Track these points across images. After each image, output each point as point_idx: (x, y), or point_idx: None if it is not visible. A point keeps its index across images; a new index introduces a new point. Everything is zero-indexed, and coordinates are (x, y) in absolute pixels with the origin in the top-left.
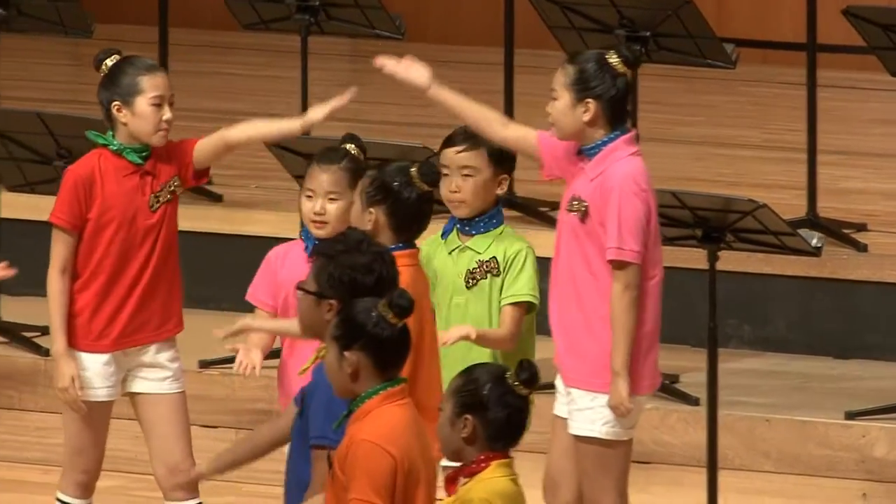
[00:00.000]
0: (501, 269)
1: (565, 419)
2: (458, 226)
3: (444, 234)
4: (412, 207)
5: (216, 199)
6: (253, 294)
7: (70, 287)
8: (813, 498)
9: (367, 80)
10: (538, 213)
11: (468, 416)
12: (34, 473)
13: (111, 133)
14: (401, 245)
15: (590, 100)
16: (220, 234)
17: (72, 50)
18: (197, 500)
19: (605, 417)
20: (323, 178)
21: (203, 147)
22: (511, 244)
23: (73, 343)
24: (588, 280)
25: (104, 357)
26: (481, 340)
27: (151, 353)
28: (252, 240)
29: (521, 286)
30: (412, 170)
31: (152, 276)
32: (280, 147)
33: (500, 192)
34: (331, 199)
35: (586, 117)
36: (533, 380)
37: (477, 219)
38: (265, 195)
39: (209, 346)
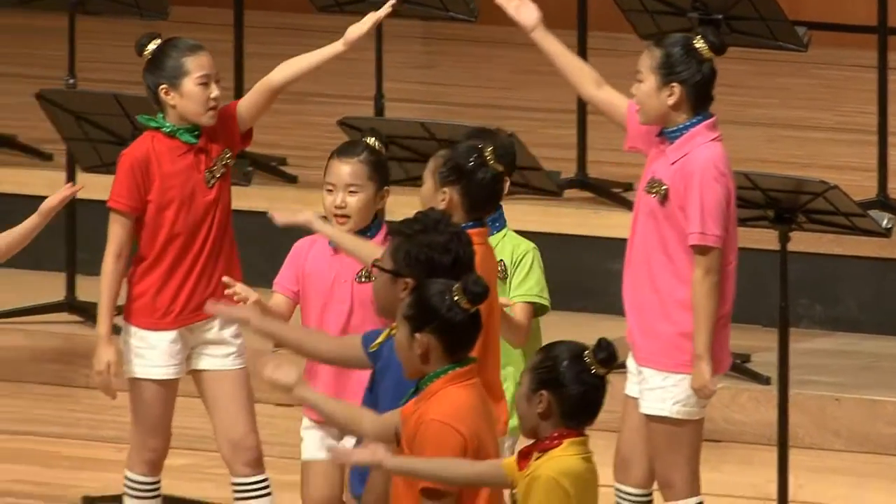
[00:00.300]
0: (509, 270)
1: (636, 399)
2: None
3: None
4: (486, 188)
5: (290, 179)
6: (279, 282)
7: (125, 271)
8: (882, 476)
9: (440, 63)
10: (610, 193)
11: (544, 392)
12: (109, 451)
13: (161, 115)
14: (471, 223)
15: (675, 84)
16: None
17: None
18: (263, 476)
19: (676, 397)
20: (343, 170)
21: (246, 104)
22: (518, 245)
23: (138, 322)
24: (663, 262)
25: (171, 335)
26: (505, 319)
27: (215, 330)
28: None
29: (531, 286)
30: (487, 151)
31: (212, 251)
32: (354, 128)
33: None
34: (351, 191)
35: (671, 101)
36: (610, 360)
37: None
38: None
39: None
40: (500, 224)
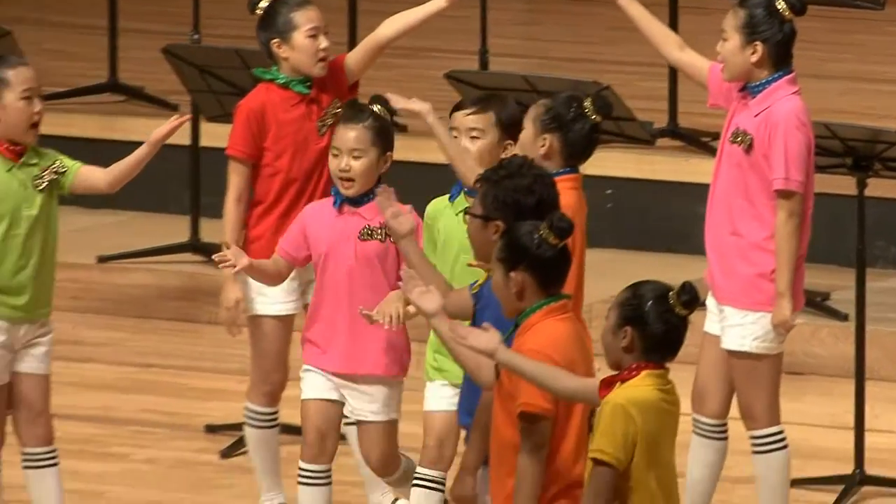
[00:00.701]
0: None
1: (714, 336)
2: (466, 189)
3: (452, 197)
4: (584, 137)
5: (401, 129)
6: (280, 244)
7: (245, 215)
8: None
9: (541, 20)
10: (699, 142)
11: (628, 328)
12: (231, 383)
13: (275, 68)
14: (568, 169)
15: (758, 42)
16: (403, 161)
17: None
18: None
19: (756, 333)
20: (348, 135)
21: (354, 58)
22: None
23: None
24: (745, 208)
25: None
26: None
27: None
28: (432, 167)
29: None
30: (586, 101)
31: (324, 194)
32: (460, 80)
33: (504, 156)
34: (355, 156)
35: (754, 58)
36: (692, 302)
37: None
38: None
39: None
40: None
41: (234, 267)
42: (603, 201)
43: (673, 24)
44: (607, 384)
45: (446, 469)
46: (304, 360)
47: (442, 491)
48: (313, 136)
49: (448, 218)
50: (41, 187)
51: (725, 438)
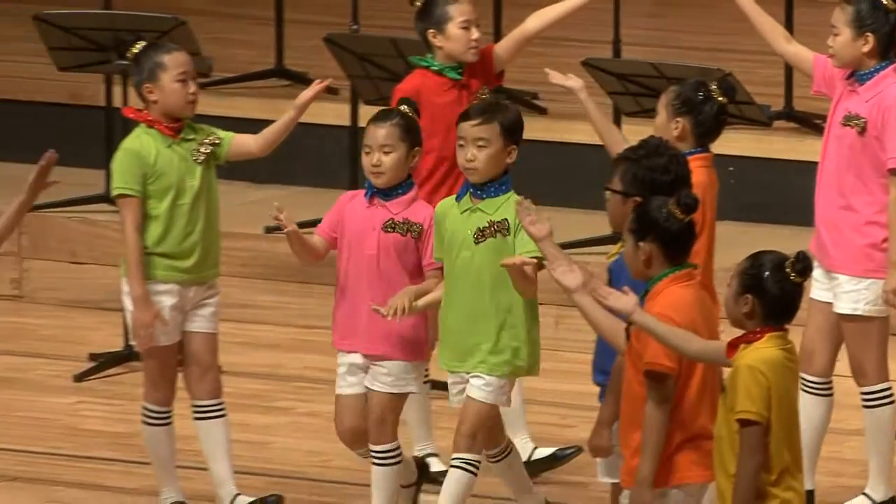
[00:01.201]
0: (512, 229)
1: (820, 302)
2: (472, 190)
3: (458, 197)
4: (713, 119)
5: (541, 111)
6: (319, 227)
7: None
8: None
9: (671, 13)
10: (812, 124)
11: (748, 296)
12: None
13: (430, 56)
14: (699, 149)
15: (868, 34)
16: (543, 141)
17: None
18: None
19: (868, 298)
20: (379, 133)
21: (502, 48)
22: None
23: None
24: (857, 185)
25: None
26: (519, 274)
27: None
28: (570, 146)
29: (533, 243)
30: (713, 85)
31: None
32: (595, 67)
33: (509, 161)
34: (385, 151)
35: (865, 49)
36: (806, 270)
37: (488, 184)
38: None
39: None
40: (505, 188)
41: (285, 227)
42: (726, 178)
43: (788, 17)
44: (733, 346)
45: (479, 453)
46: (333, 343)
47: (475, 474)
48: None
49: (454, 216)
50: (200, 160)
51: (831, 395)
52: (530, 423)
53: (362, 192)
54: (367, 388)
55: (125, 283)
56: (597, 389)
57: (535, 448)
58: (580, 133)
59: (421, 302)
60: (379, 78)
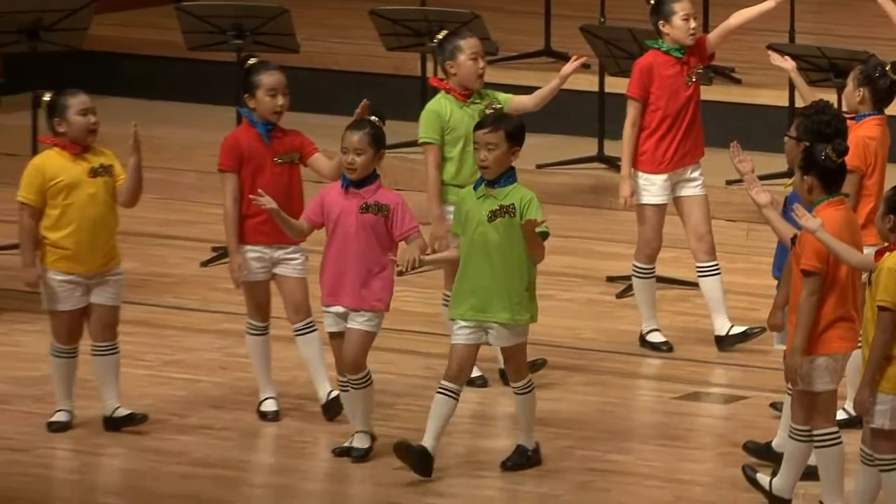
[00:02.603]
0: (518, 211)
1: None
2: (485, 182)
3: (475, 187)
4: (886, 89)
5: (736, 81)
6: (305, 212)
7: (637, 138)
8: None
9: (833, 10)
10: None
11: (891, 216)
12: (623, 248)
13: (660, 40)
14: (875, 111)
15: None
16: (737, 103)
17: None
18: (715, 263)
19: None
20: (353, 138)
21: (712, 38)
22: (524, 195)
23: (643, 168)
24: None
25: (663, 176)
26: (533, 238)
27: (689, 171)
28: (757, 107)
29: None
30: (887, 66)
31: (689, 127)
32: (778, 51)
33: (513, 159)
34: (357, 153)
35: None
36: None
37: (498, 178)
38: (765, 79)
39: (730, 171)
40: (511, 180)
41: (267, 206)
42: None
43: None
44: (880, 254)
45: (462, 385)
46: (322, 300)
47: (457, 399)
48: (682, 87)
49: (472, 201)
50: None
51: None
52: (729, 308)
53: (338, 184)
54: (347, 327)
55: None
56: (775, 282)
57: (732, 326)
58: (764, 97)
59: (429, 258)
60: (620, 57)
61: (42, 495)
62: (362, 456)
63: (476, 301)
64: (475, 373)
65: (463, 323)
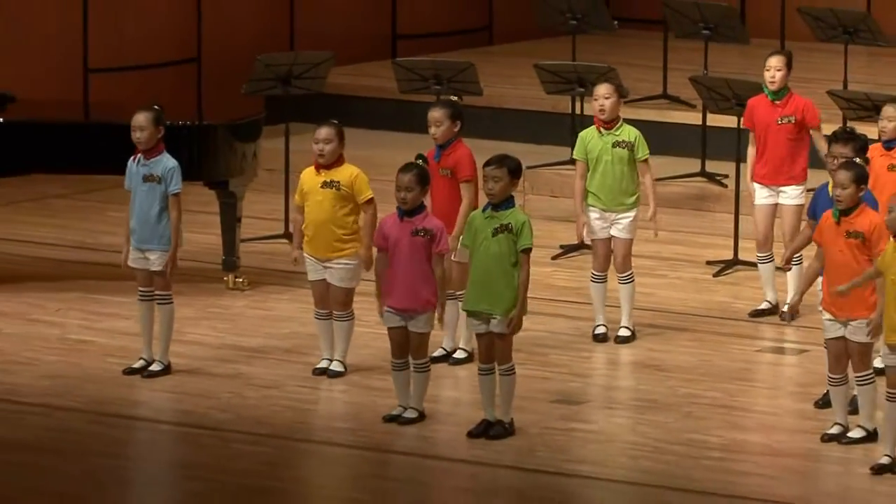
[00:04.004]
0: (515, 230)
1: None
2: (491, 206)
3: (484, 210)
4: None
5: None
6: (375, 240)
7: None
8: None
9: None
10: None
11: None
12: (721, 240)
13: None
14: None
15: None
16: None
17: None
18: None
19: None
20: (404, 179)
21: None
22: (520, 218)
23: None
24: None
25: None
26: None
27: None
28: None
29: (525, 240)
30: None
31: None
32: None
33: (513, 190)
34: (408, 190)
35: None
36: None
37: (501, 203)
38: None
39: None
40: (511, 204)
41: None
42: None
43: None
44: None
45: (493, 363)
46: (383, 300)
47: (494, 373)
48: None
49: (480, 220)
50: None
51: None
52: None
53: (394, 214)
54: (404, 324)
55: None
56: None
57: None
58: None
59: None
60: (718, 99)
61: (288, 421)
62: (409, 421)
63: (483, 297)
64: (462, 353)
65: (475, 321)
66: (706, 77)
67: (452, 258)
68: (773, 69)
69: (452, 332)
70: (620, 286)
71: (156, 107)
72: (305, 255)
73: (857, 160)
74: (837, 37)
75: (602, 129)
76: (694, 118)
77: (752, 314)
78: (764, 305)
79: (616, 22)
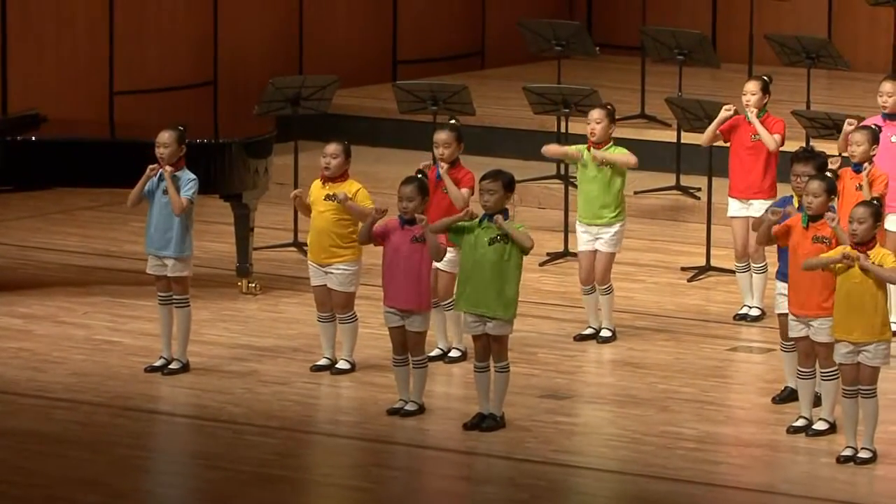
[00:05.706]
0: (508, 238)
1: None
2: (488, 217)
3: (481, 221)
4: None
5: None
6: (377, 225)
7: None
8: None
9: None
10: None
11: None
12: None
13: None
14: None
15: None
16: None
17: None
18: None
19: None
20: (406, 190)
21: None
22: (515, 227)
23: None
24: None
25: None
26: (515, 235)
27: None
28: None
29: (524, 243)
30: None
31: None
32: None
33: (507, 203)
34: (409, 200)
35: None
36: None
37: (496, 214)
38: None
39: None
40: (505, 215)
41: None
42: None
43: None
44: None
45: (488, 361)
46: (383, 301)
47: (488, 371)
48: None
49: (477, 230)
50: None
51: None
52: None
53: (397, 220)
54: (403, 324)
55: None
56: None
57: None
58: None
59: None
60: (692, 119)
61: (297, 415)
62: (410, 414)
63: (478, 300)
64: (456, 353)
65: (470, 319)
66: (680, 98)
67: (439, 267)
68: (749, 93)
69: (441, 334)
70: (600, 297)
71: (180, 127)
72: (307, 261)
73: (829, 174)
74: (801, 61)
75: (593, 150)
76: (669, 136)
77: (736, 318)
78: (744, 310)
79: (598, 48)
